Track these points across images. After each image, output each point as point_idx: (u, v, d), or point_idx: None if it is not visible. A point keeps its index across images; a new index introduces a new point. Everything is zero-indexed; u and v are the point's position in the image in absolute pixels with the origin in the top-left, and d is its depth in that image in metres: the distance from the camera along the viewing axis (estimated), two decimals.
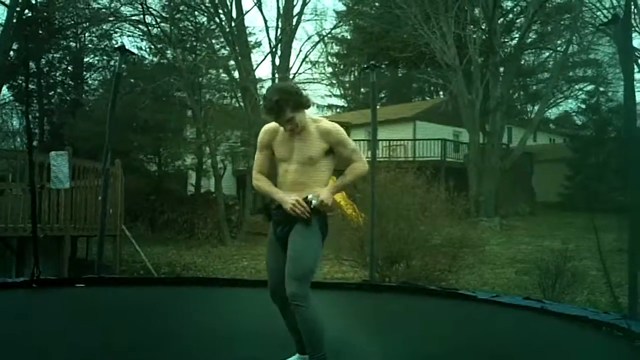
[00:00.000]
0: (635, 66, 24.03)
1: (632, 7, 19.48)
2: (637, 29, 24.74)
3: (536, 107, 32.35)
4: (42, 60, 25.74)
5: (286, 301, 3.65)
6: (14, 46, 25.21)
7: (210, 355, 4.18)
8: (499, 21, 26.02)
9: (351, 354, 4.20)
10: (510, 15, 28.64)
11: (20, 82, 25.57)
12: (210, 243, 18.90)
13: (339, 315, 4.86)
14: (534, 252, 12.71)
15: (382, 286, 8.02)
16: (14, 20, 24.64)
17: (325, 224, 3.74)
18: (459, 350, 4.42)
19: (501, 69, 25.50)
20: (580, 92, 31.13)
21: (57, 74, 26.42)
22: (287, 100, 3.62)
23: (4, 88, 25.55)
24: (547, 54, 29.66)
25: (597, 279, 7.47)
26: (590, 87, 30.39)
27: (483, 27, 25.55)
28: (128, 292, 7.19)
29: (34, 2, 25.42)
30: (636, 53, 25.04)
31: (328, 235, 3.80)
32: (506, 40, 28.45)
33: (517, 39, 26.95)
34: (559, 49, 26.66)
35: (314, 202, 3.60)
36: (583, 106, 31.17)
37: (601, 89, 28.96)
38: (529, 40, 27.19)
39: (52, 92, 26.51)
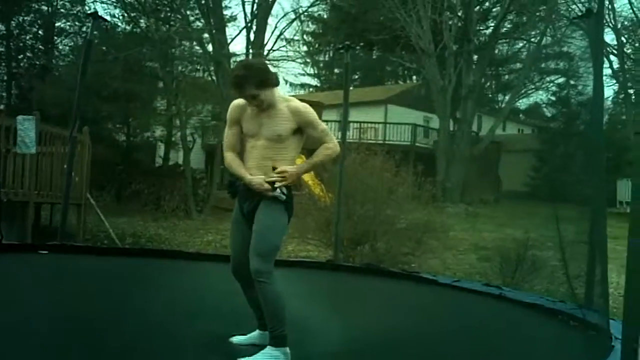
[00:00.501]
0: (606, 61, 24.32)
1: (606, 1, 19.70)
2: (609, 24, 25.05)
3: (507, 97, 32.66)
4: (12, 22, 25.17)
5: (248, 279, 3.68)
6: None
7: (171, 327, 4.18)
8: (476, 9, 26.12)
9: (312, 332, 4.24)
10: (487, 4, 28.75)
11: None
12: (176, 216, 18.80)
13: (301, 294, 4.90)
14: (496, 239, 12.86)
15: (345, 266, 8.08)
16: None
17: (291, 204, 3.75)
18: (417, 332, 4.48)
19: (475, 57, 25.65)
20: (551, 84, 31.45)
21: (27, 37, 25.85)
22: (252, 77, 3.64)
23: None
24: (521, 44, 29.85)
25: (556, 268, 7.57)
26: (561, 80, 30.71)
27: (459, 14, 25.64)
28: (91, 261, 7.14)
29: None
30: (607, 48, 25.37)
31: (294, 214, 3.83)
32: (481, 28, 28.55)
33: (492, 27, 27.07)
34: (532, 40, 26.86)
35: (278, 191, 3.63)
36: (553, 98, 31.52)
37: (572, 82, 29.28)
38: (504, 29, 27.33)
39: (22, 55, 25.96)
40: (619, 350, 3.21)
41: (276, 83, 3.77)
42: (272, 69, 3.96)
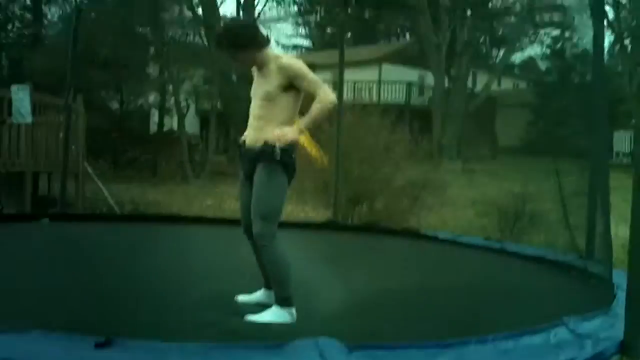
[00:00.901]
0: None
1: None
2: None
3: (502, 52, 32.40)
4: None
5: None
6: None
7: (175, 289, 4.18)
8: None
9: (315, 292, 4.24)
10: None
11: None
12: (173, 182, 18.76)
13: (302, 254, 4.89)
14: (494, 194, 12.84)
15: (344, 226, 8.08)
16: None
17: (291, 165, 3.73)
18: (420, 288, 4.48)
19: (468, 13, 25.38)
20: (546, 38, 31.17)
21: (16, 7, 25.51)
22: (229, 39, 3.70)
23: None
24: None
25: (555, 221, 7.58)
26: (556, 33, 30.43)
27: None
28: (92, 228, 7.14)
29: None
30: None
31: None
32: None
33: None
34: None
35: (276, 147, 3.60)
36: (548, 51, 31.27)
37: (567, 34, 29.03)
38: None
39: (11, 25, 25.60)
40: (622, 298, 3.21)
41: (261, 44, 3.73)
42: (262, 30, 3.90)
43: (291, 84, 3.66)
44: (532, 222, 8.42)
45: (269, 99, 3.68)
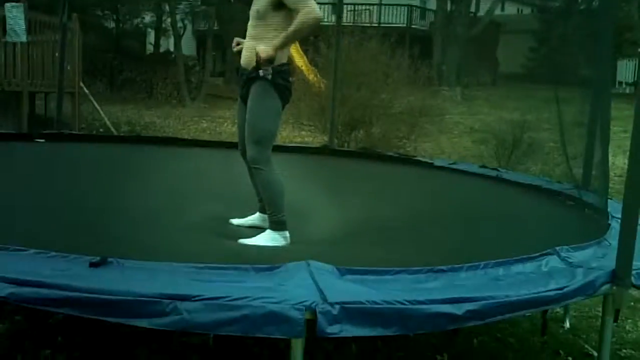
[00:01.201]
0: None
1: None
2: None
3: None
4: None
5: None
6: None
7: (170, 211, 4.18)
8: None
9: (309, 216, 4.25)
10: None
11: None
12: (169, 104, 18.68)
13: (297, 178, 4.88)
14: (492, 122, 12.82)
15: (341, 151, 8.05)
16: None
17: (284, 87, 3.66)
18: (415, 215, 4.49)
19: None
20: None
21: None
22: None
23: None
24: None
25: (552, 150, 7.57)
26: None
27: None
28: (87, 147, 7.12)
29: None
30: None
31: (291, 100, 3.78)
32: None
33: None
34: None
35: (261, 72, 3.56)
36: None
37: None
38: None
39: None
40: (616, 228, 3.21)
41: None
42: None
43: (281, 1, 3.54)
44: (529, 151, 8.41)
45: (259, 17, 3.61)
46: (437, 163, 6.81)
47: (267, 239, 3.63)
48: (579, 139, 5.03)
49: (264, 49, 3.49)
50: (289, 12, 3.56)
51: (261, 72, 3.54)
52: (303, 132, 11.16)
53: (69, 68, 11.08)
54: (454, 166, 6.63)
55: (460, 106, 17.70)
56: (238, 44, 3.83)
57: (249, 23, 3.70)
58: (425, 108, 10.20)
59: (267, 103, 3.62)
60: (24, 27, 9.86)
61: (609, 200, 4.21)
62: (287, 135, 11.69)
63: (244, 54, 3.70)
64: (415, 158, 7.42)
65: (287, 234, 3.65)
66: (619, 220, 3.01)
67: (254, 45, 3.60)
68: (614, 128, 6.30)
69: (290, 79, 3.75)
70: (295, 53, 20.80)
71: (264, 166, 3.62)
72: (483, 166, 6.63)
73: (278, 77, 3.59)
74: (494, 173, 6.08)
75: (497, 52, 27.85)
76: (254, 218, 4.01)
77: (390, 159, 7.17)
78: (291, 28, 3.50)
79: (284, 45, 3.56)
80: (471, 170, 6.37)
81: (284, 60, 3.68)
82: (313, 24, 3.53)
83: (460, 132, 13.32)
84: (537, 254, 2.97)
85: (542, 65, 23.89)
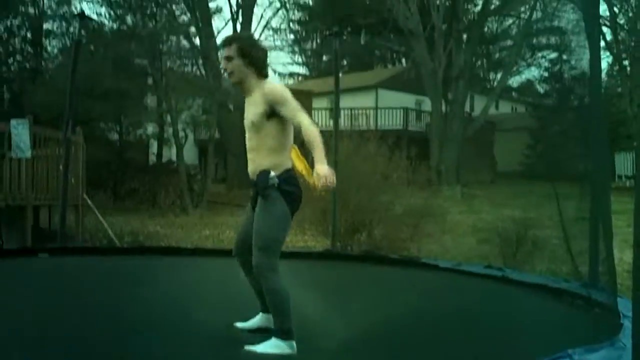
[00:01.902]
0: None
1: None
2: None
3: (499, 75, 32.50)
4: (1, 27, 24.95)
5: (245, 262, 3.73)
6: None
7: (174, 320, 4.13)
8: None
9: (315, 323, 4.16)
10: None
11: None
12: (172, 212, 18.71)
13: (302, 284, 4.81)
14: (495, 220, 12.75)
15: (344, 255, 8.00)
16: None
17: (292, 194, 3.68)
18: (422, 318, 4.40)
19: (464, 36, 25.47)
20: (544, 60, 31.29)
21: (16, 41, 25.64)
22: (247, 43, 3.81)
23: None
24: (511, 20, 29.69)
25: (557, 247, 7.48)
26: (553, 55, 30.56)
27: None
28: (91, 261, 7.11)
29: None
30: (600, 21, 25.15)
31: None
32: (469, 6, 28.37)
33: (480, 5, 26.88)
34: (522, 15, 26.64)
35: (272, 174, 3.59)
36: (546, 74, 31.37)
37: (564, 57, 29.13)
38: (493, 6, 27.07)
39: (12, 59, 25.73)
40: (628, 327, 3.12)
41: (261, 69, 3.77)
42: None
43: (274, 111, 3.62)
44: (534, 249, 8.33)
45: (255, 129, 3.67)
46: (442, 264, 6.74)
47: (274, 346, 3.54)
48: (582, 234, 4.99)
49: (325, 171, 3.47)
50: (281, 119, 3.64)
51: (269, 182, 3.57)
52: (306, 237, 11.09)
53: (72, 181, 11.19)
54: (460, 267, 6.56)
55: (461, 205, 17.70)
56: None
57: (246, 135, 3.74)
58: (426, 208, 10.18)
59: (274, 211, 3.62)
60: (28, 143, 10.03)
61: (618, 298, 4.13)
62: (290, 240, 11.62)
63: (249, 165, 3.73)
64: (420, 260, 7.35)
65: (293, 342, 3.56)
66: (631, 319, 2.93)
67: (254, 156, 3.67)
68: (618, 222, 6.27)
69: (295, 183, 3.75)
70: (295, 157, 21.05)
71: (269, 274, 3.56)
72: (488, 266, 6.56)
73: (285, 184, 3.63)
74: (499, 273, 6.01)
75: (494, 150, 28.18)
76: (258, 320, 3.97)
77: (395, 262, 7.11)
78: (317, 141, 3.51)
79: (323, 154, 3.53)
80: (477, 271, 6.30)
81: (288, 166, 3.72)
82: (318, 134, 3.57)
83: (463, 232, 13.24)
84: (549, 358, 2.88)
85: (540, 161, 24.15)
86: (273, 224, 3.62)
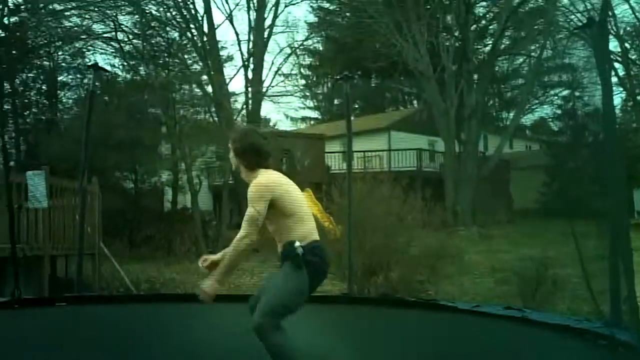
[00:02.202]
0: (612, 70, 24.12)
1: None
2: (612, 31, 24.86)
3: (511, 114, 32.52)
4: (16, 80, 25.42)
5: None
6: None
7: None
8: (472, 28, 26.08)
9: None
10: (483, 22, 28.70)
11: None
12: (188, 259, 18.67)
13: (318, 329, 4.75)
14: (513, 260, 12.63)
15: (361, 298, 7.90)
16: None
17: (315, 267, 3.70)
18: None
19: (475, 76, 25.57)
20: (556, 98, 31.34)
21: (32, 93, 26.06)
22: (232, 142, 4.02)
23: None
24: (521, 59, 29.78)
25: (578, 286, 7.36)
26: (565, 92, 30.59)
27: (456, 34, 25.65)
28: (108, 309, 7.09)
29: (6, 22, 25.14)
30: (611, 56, 25.22)
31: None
32: (479, 46, 28.56)
33: (490, 45, 27.05)
34: (533, 54, 26.75)
35: (297, 244, 3.66)
36: (559, 112, 31.38)
37: (577, 93, 29.14)
38: (503, 46, 27.22)
39: (27, 111, 26.12)
40: None
41: (253, 166, 3.95)
42: (262, 139, 4.11)
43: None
44: (554, 288, 8.21)
45: (269, 221, 3.81)
46: (461, 306, 6.64)
47: None
48: (603, 273, 4.91)
49: (205, 289, 3.81)
50: (280, 203, 3.77)
51: (294, 251, 3.65)
52: None
53: (89, 230, 11.23)
54: (478, 309, 6.45)
55: (479, 245, 17.55)
56: (205, 261, 4.03)
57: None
58: (443, 249, 10.12)
59: (293, 278, 3.65)
60: (45, 193, 10.11)
61: None
62: None
63: (278, 248, 3.84)
64: (438, 302, 7.24)
65: None
66: None
67: (279, 239, 3.79)
68: (638, 259, 6.16)
69: (319, 253, 3.77)
70: (310, 202, 21.03)
71: (270, 334, 3.53)
72: (508, 307, 6.44)
73: (309, 254, 3.66)
74: (519, 314, 5.89)
75: (510, 189, 28.02)
76: None
77: (412, 304, 7.00)
78: (228, 252, 3.81)
79: (222, 269, 3.81)
80: (496, 312, 6.18)
81: (315, 238, 3.80)
82: (241, 246, 3.75)
83: (481, 273, 13.10)
84: None
85: (556, 199, 23.96)
86: (285, 291, 3.65)
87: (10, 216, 7.41)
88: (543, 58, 26.01)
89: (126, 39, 22.28)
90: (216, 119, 21.87)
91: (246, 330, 3.98)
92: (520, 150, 35.29)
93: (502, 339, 5.24)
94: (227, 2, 24.18)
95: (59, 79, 26.65)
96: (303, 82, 40.07)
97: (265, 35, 23.22)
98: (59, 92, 26.79)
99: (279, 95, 25.34)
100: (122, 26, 21.88)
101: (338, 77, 18.44)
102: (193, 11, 21.98)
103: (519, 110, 28.78)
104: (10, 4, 24.17)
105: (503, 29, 24.79)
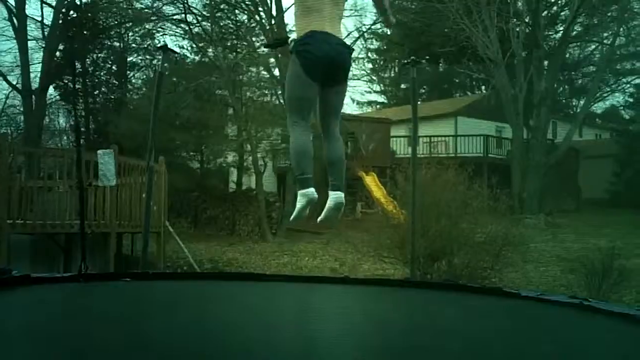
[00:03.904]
0: None
1: None
2: None
3: (582, 102, 31.73)
4: (87, 60, 26.17)
5: None
6: (60, 47, 25.72)
7: (246, 349, 4.18)
8: (543, 14, 25.50)
9: (393, 352, 4.14)
10: (555, 8, 28.07)
11: (67, 82, 26.05)
12: (251, 239, 19.02)
13: (380, 312, 4.81)
14: (579, 250, 12.45)
15: (424, 283, 7.92)
16: (60, 22, 25.14)
17: (304, 52, 3.83)
18: (504, 347, 4.32)
19: (545, 63, 25.03)
20: (628, 86, 30.44)
21: (102, 73, 26.80)
22: None
23: (51, 88, 26.08)
24: (593, 46, 29.04)
25: None
26: (638, 80, 29.70)
27: (527, 20, 25.14)
28: (171, 286, 7.28)
29: (78, 3, 25.90)
30: None
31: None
32: (550, 33, 27.87)
33: (561, 31, 26.42)
34: (605, 41, 26.04)
35: (290, 41, 4.03)
36: (631, 100, 30.49)
37: None
38: (574, 32, 26.51)
39: (97, 91, 26.89)
40: None
41: None
42: None
43: None
44: (620, 279, 8.07)
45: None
46: (524, 293, 6.60)
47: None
48: None
49: None
50: None
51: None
52: (384, 265, 11.08)
53: (155, 208, 11.52)
54: (542, 296, 6.41)
55: (545, 234, 17.29)
56: None
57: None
58: (508, 237, 10.02)
59: (288, 75, 3.94)
60: (114, 171, 10.37)
61: None
62: (368, 267, 11.65)
63: None
64: (502, 289, 7.22)
65: (304, 191, 3.79)
66: None
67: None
68: None
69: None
70: (374, 186, 21.09)
71: (290, 129, 3.86)
72: (573, 297, 6.38)
73: (299, 45, 3.84)
74: (584, 303, 5.83)
75: (578, 178, 27.45)
76: None
77: (475, 291, 7.00)
78: None
79: None
80: (560, 299, 6.13)
81: (313, 29, 3.87)
82: None
83: (546, 261, 12.93)
84: None
85: (627, 189, 23.35)
86: (287, 85, 3.98)
87: (80, 194, 7.63)
88: (616, 45, 25.26)
89: (195, 21, 22.61)
90: (282, 101, 22.03)
91: (305, 310, 4.06)
92: (590, 139, 34.46)
93: (566, 326, 5.21)
94: None
95: (128, 59, 27.35)
96: (370, 66, 40.05)
97: None
98: (128, 72, 27.51)
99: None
100: (191, 8, 22.20)
101: (405, 61, 18.36)
102: None
103: (589, 97, 28.04)
104: None
105: (575, 15, 24.12)
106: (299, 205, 3.79)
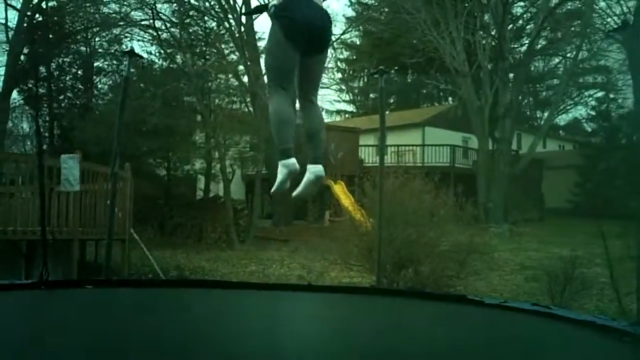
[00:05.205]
0: None
1: None
2: None
3: (546, 114, 32.31)
4: (52, 64, 25.79)
5: None
6: (25, 50, 25.36)
7: (210, 356, 4.17)
8: (509, 27, 25.94)
9: (357, 357, 4.18)
10: (520, 22, 28.59)
11: (30, 86, 25.67)
12: (218, 247, 18.91)
13: (345, 319, 4.85)
14: (543, 258, 12.64)
15: (389, 291, 7.99)
16: (25, 25, 24.81)
17: (283, 23, 3.64)
18: (465, 354, 4.38)
19: (510, 75, 25.45)
20: (590, 99, 31.05)
21: (67, 78, 26.38)
22: None
23: (14, 92, 25.69)
24: (557, 60, 29.59)
25: (606, 286, 7.40)
26: (600, 94, 30.32)
27: (493, 33, 25.53)
28: (133, 293, 7.21)
29: (44, 6, 25.57)
30: None
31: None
32: (516, 46, 28.38)
33: (526, 45, 26.90)
34: (568, 55, 26.57)
35: (270, 5, 3.79)
36: (593, 113, 31.09)
37: (611, 95, 28.88)
38: (539, 46, 27.09)
39: (62, 96, 26.47)
40: None
41: None
42: None
43: None
44: (582, 287, 8.23)
45: None
46: (488, 301, 6.70)
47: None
48: (631, 273, 4.94)
49: None
50: None
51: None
52: (352, 273, 11.14)
53: (120, 215, 11.38)
54: (506, 304, 6.51)
55: (509, 243, 17.53)
56: None
57: None
58: (473, 245, 10.15)
59: (268, 42, 3.80)
60: (78, 176, 10.21)
61: None
62: (335, 275, 11.69)
63: None
64: (466, 296, 7.31)
65: (285, 161, 3.66)
66: None
67: None
68: None
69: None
70: (342, 194, 21.18)
71: (270, 97, 3.75)
72: (535, 304, 6.49)
73: (278, 10, 3.63)
74: (546, 310, 5.94)
75: (542, 188, 27.90)
76: None
77: (440, 298, 7.08)
78: None
79: None
80: (524, 307, 6.24)
81: None
82: None
83: (511, 270, 13.11)
84: None
85: (588, 199, 23.77)
86: (267, 53, 3.97)
87: (42, 199, 7.50)
88: (578, 59, 25.79)
89: (164, 27, 22.50)
90: (251, 109, 22.03)
91: (271, 319, 4.08)
92: (554, 150, 35.03)
93: (529, 332, 5.31)
94: None
95: (95, 64, 27.00)
96: (339, 75, 40.21)
97: None
98: (94, 77, 27.13)
99: None
100: (160, 14, 22.09)
101: (374, 71, 18.48)
102: (231, 1, 22.14)
103: (553, 110, 28.54)
104: None
105: (539, 29, 24.63)
106: (280, 177, 3.69)
